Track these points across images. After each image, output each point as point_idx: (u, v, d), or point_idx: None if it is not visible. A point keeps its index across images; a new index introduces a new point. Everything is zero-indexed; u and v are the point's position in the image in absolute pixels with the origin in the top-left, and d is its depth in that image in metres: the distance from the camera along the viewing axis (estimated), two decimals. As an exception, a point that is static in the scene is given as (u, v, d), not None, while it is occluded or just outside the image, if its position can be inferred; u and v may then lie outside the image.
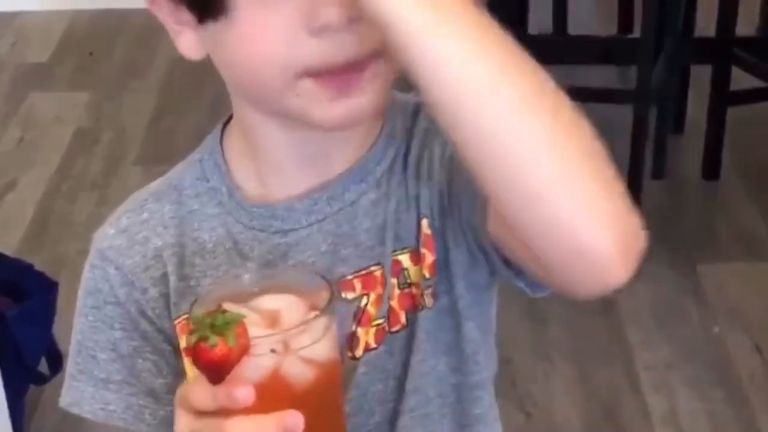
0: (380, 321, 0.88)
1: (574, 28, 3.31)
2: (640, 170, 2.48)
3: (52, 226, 2.71)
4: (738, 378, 2.18)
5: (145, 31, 3.57)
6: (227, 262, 0.89)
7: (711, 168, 2.79)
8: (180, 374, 0.90)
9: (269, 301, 0.76)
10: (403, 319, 0.89)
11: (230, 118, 0.92)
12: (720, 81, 2.70)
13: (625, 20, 3.30)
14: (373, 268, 0.88)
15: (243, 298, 0.77)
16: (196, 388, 0.73)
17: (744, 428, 2.07)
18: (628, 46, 2.90)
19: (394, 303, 0.88)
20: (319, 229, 0.88)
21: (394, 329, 0.88)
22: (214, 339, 0.70)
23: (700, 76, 2.86)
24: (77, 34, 3.67)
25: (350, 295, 0.88)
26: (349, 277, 0.88)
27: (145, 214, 0.91)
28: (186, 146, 0.96)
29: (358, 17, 0.75)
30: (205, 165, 0.91)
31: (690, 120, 2.95)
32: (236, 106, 0.89)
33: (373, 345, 0.88)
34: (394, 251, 0.88)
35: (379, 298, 0.88)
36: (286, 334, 0.73)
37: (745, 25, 2.88)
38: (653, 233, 2.64)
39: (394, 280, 0.88)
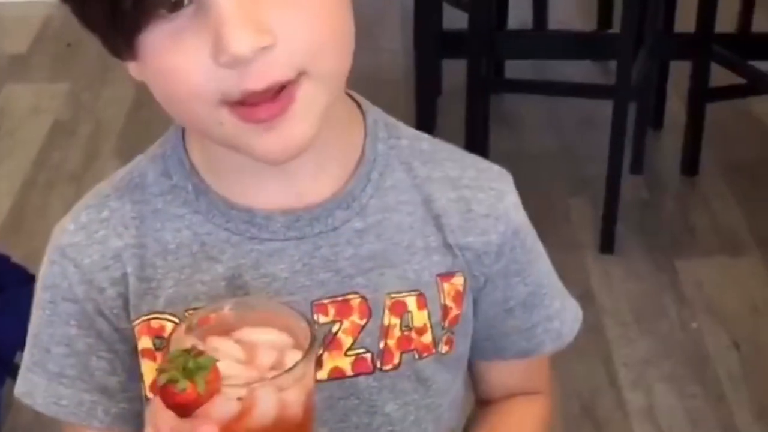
0: (360, 351, 0.89)
1: (553, 24, 3.31)
2: (619, 165, 2.48)
3: (29, 219, 2.69)
4: (716, 374, 2.19)
5: (124, 23, 3.55)
6: (192, 264, 0.87)
7: (690, 163, 2.80)
8: (135, 374, 0.89)
9: (251, 334, 0.75)
10: (397, 359, 0.90)
11: None
12: (699, 77, 2.71)
13: (604, 16, 3.30)
14: (350, 297, 0.88)
15: (223, 327, 0.76)
16: (164, 415, 0.71)
17: (722, 424, 2.08)
18: (608, 41, 2.90)
19: (392, 342, 0.89)
20: (296, 246, 0.87)
21: (386, 367, 0.89)
22: (183, 383, 0.69)
23: (680, 72, 2.87)
24: (55, 25, 3.65)
25: (323, 319, 0.88)
26: (325, 301, 0.88)
27: (106, 212, 0.89)
28: (164, 139, 0.94)
29: (270, 45, 0.73)
30: (168, 161, 0.89)
31: (669, 115, 2.96)
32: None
33: (349, 373, 0.89)
34: (399, 292, 0.89)
35: (356, 327, 0.88)
36: (257, 384, 0.72)
37: (725, 22, 2.89)
38: (632, 228, 2.67)
39: (397, 320, 0.89)
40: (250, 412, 0.71)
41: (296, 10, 0.74)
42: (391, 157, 0.90)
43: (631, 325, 2.32)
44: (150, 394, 0.88)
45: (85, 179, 2.83)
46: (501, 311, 0.95)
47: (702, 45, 2.68)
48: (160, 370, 0.70)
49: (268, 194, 0.86)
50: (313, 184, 0.87)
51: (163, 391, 0.70)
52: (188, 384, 0.69)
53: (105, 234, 0.88)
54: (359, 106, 0.91)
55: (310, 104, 0.77)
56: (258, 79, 0.74)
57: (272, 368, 0.73)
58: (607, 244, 2.52)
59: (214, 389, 0.70)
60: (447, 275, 0.91)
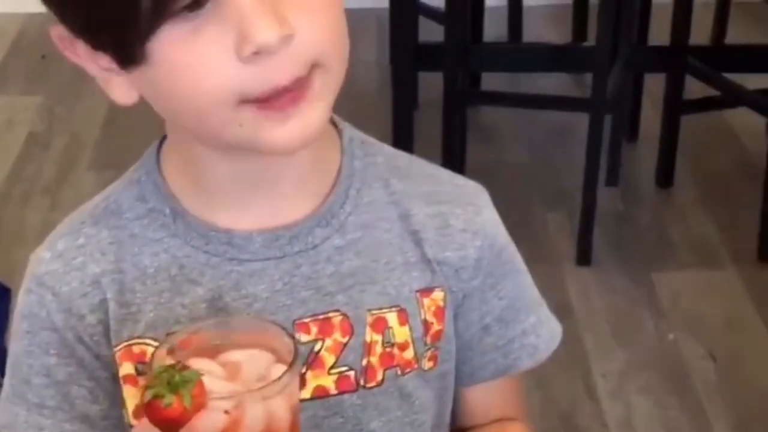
0: (343, 369, 0.88)
1: (529, 36, 3.32)
2: (595, 177, 2.49)
3: (4, 232, 2.67)
4: (692, 385, 2.20)
5: (99, 35, 3.54)
6: (171, 288, 0.87)
7: (665, 176, 2.81)
8: (117, 401, 0.88)
9: (233, 355, 0.75)
10: (380, 376, 0.89)
11: (165, 137, 0.90)
12: (674, 89, 2.72)
13: (579, 29, 3.32)
14: (331, 315, 0.88)
15: (204, 349, 0.75)
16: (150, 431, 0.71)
17: (699, 435, 2.09)
18: (583, 54, 2.91)
19: (375, 359, 0.89)
20: (275, 266, 0.87)
21: (369, 385, 0.89)
22: (169, 398, 0.69)
23: (655, 84, 2.88)
24: (30, 37, 3.63)
25: (305, 338, 0.87)
26: (306, 319, 0.87)
27: (81, 239, 0.88)
28: (139, 152, 0.93)
29: (291, 34, 0.74)
30: (144, 186, 0.88)
31: (644, 128, 2.98)
32: (177, 137, 0.86)
33: (333, 391, 0.88)
34: (380, 308, 0.89)
35: (338, 345, 0.88)
36: (243, 396, 0.71)
37: (699, 35, 2.91)
38: (608, 240, 2.68)
39: (379, 337, 0.89)
40: (237, 426, 0.71)
41: (309, 5, 0.75)
42: (368, 174, 0.90)
43: (608, 336, 2.33)
44: (134, 421, 0.87)
45: (60, 192, 2.81)
46: (478, 330, 0.95)
47: (677, 57, 2.70)
48: (146, 387, 0.70)
49: (247, 214, 0.86)
50: (292, 203, 0.87)
51: (149, 407, 0.69)
52: (174, 398, 0.69)
53: (83, 261, 0.87)
54: (335, 124, 0.91)
55: (322, 93, 0.78)
56: (282, 73, 0.74)
57: (258, 381, 0.73)
58: (583, 256, 2.53)
59: (200, 403, 0.69)
60: (427, 290, 0.91)
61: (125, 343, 0.86)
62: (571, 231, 2.57)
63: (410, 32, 2.77)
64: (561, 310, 2.46)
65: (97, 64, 0.80)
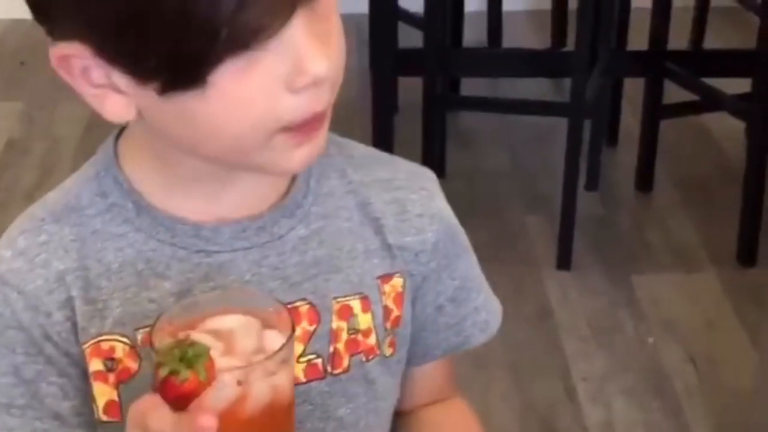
0: (311, 357, 0.90)
1: (508, 42, 3.33)
2: (574, 181, 2.50)
3: (-17, 238, 2.66)
4: (672, 388, 2.21)
5: (78, 41, 3.53)
6: (137, 282, 0.87)
7: (644, 180, 2.82)
8: (88, 398, 0.88)
9: (222, 322, 0.75)
10: (346, 363, 0.91)
11: (121, 130, 0.90)
12: (653, 94, 2.73)
13: (559, 34, 3.33)
14: (298, 304, 0.89)
15: (193, 321, 0.76)
16: (157, 412, 0.71)
17: (679, 438, 2.10)
18: (563, 59, 2.92)
19: (341, 346, 0.90)
20: (243, 257, 0.88)
21: (336, 371, 0.90)
22: (185, 373, 0.69)
23: (634, 88, 2.89)
24: (9, 43, 3.62)
25: None
26: None
27: (43, 236, 0.87)
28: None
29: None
30: (103, 181, 0.88)
31: (624, 132, 2.99)
32: (157, 146, 0.86)
33: (302, 379, 0.89)
34: (345, 296, 0.90)
35: (306, 334, 0.89)
36: (255, 366, 0.72)
37: (678, 39, 2.92)
38: (588, 244, 2.68)
39: (344, 324, 0.90)
40: (246, 397, 0.72)
41: (336, 36, 0.80)
42: (324, 165, 0.92)
43: (588, 340, 2.34)
44: (104, 417, 0.87)
45: (40, 198, 2.80)
46: (432, 310, 0.98)
47: (655, 62, 2.71)
48: (158, 364, 0.70)
49: (213, 207, 0.87)
50: (256, 195, 0.88)
51: (165, 385, 0.70)
52: (190, 373, 0.69)
53: (46, 258, 0.86)
54: None
55: (329, 116, 0.82)
56: (322, 101, 0.80)
57: (256, 352, 0.74)
58: (563, 260, 2.54)
59: (212, 376, 0.70)
60: (386, 276, 0.93)
61: (93, 340, 0.86)
62: (552, 235, 2.58)
63: (390, 37, 2.77)
64: (541, 313, 2.48)
65: (89, 83, 0.80)
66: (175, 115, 0.79)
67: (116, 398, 0.87)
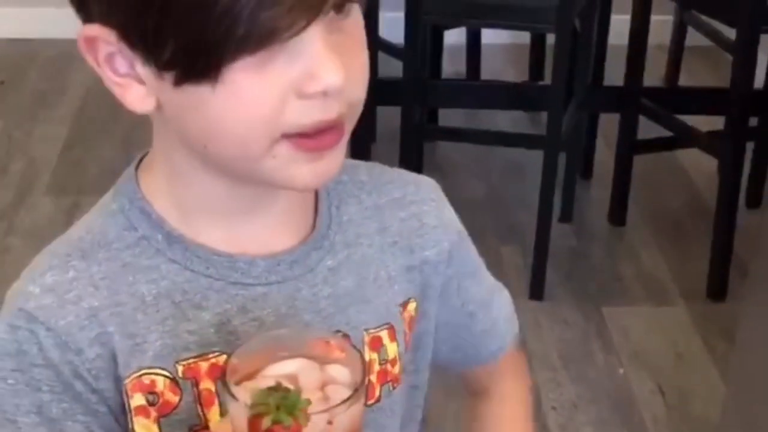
0: None
1: (486, 74, 3.37)
2: (548, 213, 2.52)
3: (-42, 256, 2.65)
4: (641, 419, 2.23)
5: (58, 61, 3.54)
6: (175, 314, 0.85)
7: (617, 213, 2.85)
8: None
9: (284, 366, 0.77)
10: (378, 393, 0.92)
11: (140, 160, 0.89)
12: (627, 129, 2.76)
13: (536, 68, 3.37)
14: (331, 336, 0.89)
15: (249, 369, 0.77)
16: None
17: (646, 468, 2.11)
18: (539, 92, 2.96)
19: (374, 378, 0.91)
20: (278, 290, 0.87)
21: (369, 402, 0.91)
22: (288, 421, 0.71)
23: (609, 123, 2.93)
24: (-11, 62, 3.63)
25: None
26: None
27: (72, 273, 0.85)
28: (97, 178, 0.94)
29: (347, 79, 0.77)
30: (129, 214, 0.87)
31: (598, 166, 3.02)
32: (170, 162, 0.86)
33: None
34: (376, 327, 0.91)
35: None
36: (339, 406, 0.74)
37: (653, 76, 2.96)
38: (560, 275, 2.69)
39: (375, 356, 0.91)
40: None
41: (356, 49, 0.79)
42: (340, 192, 0.92)
43: (559, 370, 2.36)
44: None
45: (17, 216, 2.80)
46: (463, 317, 0.99)
47: (630, 98, 2.74)
48: (258, 416, 0.71)
49: (241, 240, 0.87)
50: (285, 227, 0.88)
51: None
52: (292, 420, 0.71)
53: (77, 294, 0.84)
54: None
55: (347, 137, 0.81)
56: (331, 111, 0.78)
57: (322, 387, 0.76)
58: (536, 291, 2.56)
59: (309, 419, 0.72)
60: (404, 303, 0.94)
61: (135, 374, 0.84)
62: (525, 265, 2.60)
63: (369, 67, 2.80)
64: (513, 342, 2.46)
65: (114, 71, 0.80)
66: (189, 107, 0.79)
67: None
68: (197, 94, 0.77)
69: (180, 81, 0.77)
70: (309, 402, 0.72)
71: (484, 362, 1.05)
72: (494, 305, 1.03)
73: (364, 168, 0.97)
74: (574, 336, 2.46)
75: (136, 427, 0.85)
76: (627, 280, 2.67)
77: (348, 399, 0.74)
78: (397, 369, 0.93)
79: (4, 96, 3.42)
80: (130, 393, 0.84)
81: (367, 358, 0.90)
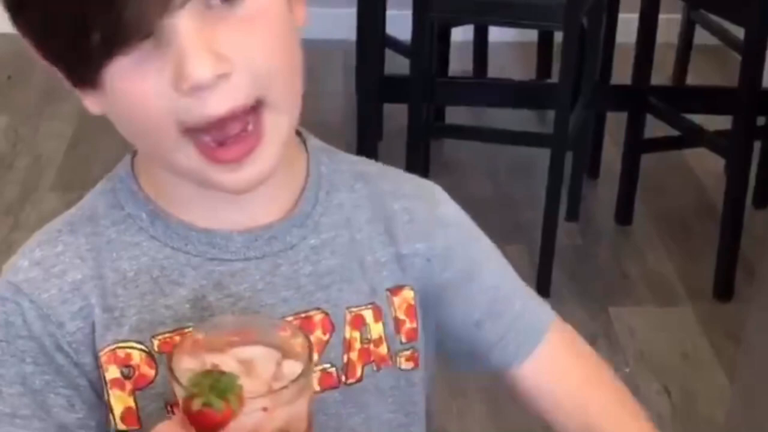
0: (326, 366, 0.90)
1: (493, 72, 3.36)
2: (555, 212, 2.52)
3: (-36, 251, 2.66)
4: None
5: (65, 58, 3.53)
6: (153, 290, 0.88)
7: (624, 212, 2.85)
8: (95, 410, 0.89)
9: (243, 352, 0.77)
10: (359, 372, 0.92)
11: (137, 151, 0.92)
12: (635, 128, 2.76)
13: (544, 66, 3.36)
14: (312, 313, 0.90)
15: (215, 345, 0.77)
16: None
17: (652, 468, 2.10)
18: (547, 91, 2.95)
19: (354, 356, 0.91)
20: (256, 266, 0.89)
21: (350, 381, 0.91)
22: (219, 404, 0.71)
23: (616, 122, 2.92)
24: (-4, 57, 3.62)
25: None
26: (289, 318, 0.89)
27: (60, 247, 0.88)
28: (102, 174, 0.94)
29: (228, 72, 0.76)
30: (119, 193, 0.90)
31: (605, 165, 3.01)
32: (146, 157, 0.89)
33: (317, 388, 0.89)
34: (358, 306, 0.91)
35: (321, 342, 0.90)
36: (280, 393, 0.74)
37: (660, 75, 2.95)
38: (567, 274, 2.68)
39: (357, 334, 0.91)
40: (268, 423, 0.73)
41: (251, 39, 0.78)
42: (335, 179, 0.93)
43: (564, 369, 2.34)
44: (121, 425, 0.88)
45: (22, 212, 2.80)
46: (470, 326, 0.98)
47: (638, 97, 2.74)
48: (190, 396, 0.72)
49: (223, 217, 0.88)
50: (266, 206, 0.89)
51: (201, 416, 0.71)
52: (223, 404, 0.71)
53: (62, 268, 0.87)
54: (298, 133, 0.94)
55: (274, 135, 0.81)
56: (217, 105, 0.77)
57: (275, 379, 0.76)
58: (542, 289, 2.55)
59: (242, 405, 0.72)
60: (396, 289, 0.93)
61: (109, 347, 0.87)
62: (531, 264, 2.60)
63: (376, 64, 2.80)
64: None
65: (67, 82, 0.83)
66: (108, 111, 0.82)
67: (133, 405, 0.87)
68: (103, 98, 0.80)
69: (80, 89, 0.80)
70: (241, 387, 0.72)
71: (504, 367, 1.00)
72: (505, 317, 0.98)
73: (365, 162, 0.98)
74: (580, 335, 2.44)
75: (112, 400, 0.87)
76: (633, 279, 2.66)
77: (283, 388, 0.73)
78: (383, 350, 0.92)
79: (10, 92, 3.42)
80: (104, 365, 0.87)
81: (347, 336, 0.91)
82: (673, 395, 2.28)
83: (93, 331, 0.87)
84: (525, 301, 1.01)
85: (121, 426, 0.88)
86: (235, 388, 0.72)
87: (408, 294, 0.94)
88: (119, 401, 0.87)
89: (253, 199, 0.87)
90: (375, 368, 0.92)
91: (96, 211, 0.90)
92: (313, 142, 0.95)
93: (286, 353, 0.77)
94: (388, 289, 0.93)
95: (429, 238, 0.95)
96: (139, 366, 0.87)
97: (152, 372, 0.87)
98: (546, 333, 1.01)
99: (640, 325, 2.49)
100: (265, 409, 0.73)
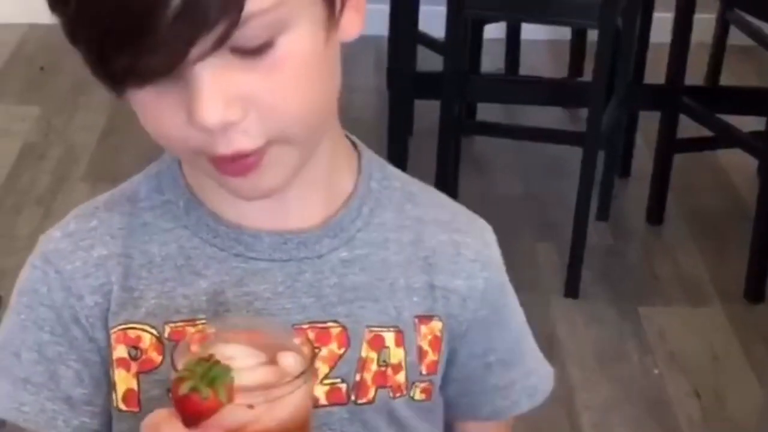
0: (335, 381, 0.89)
1: (526, 69, 3.35)
2: (586, 211, 2.51)
3: (-4, 240, 2.68)
4: (676, 421, 2.21)
5: (99, 49, 3.55)
6: (175, 277, 0.88)
7: (655, 212, 2.83)
8: (102, 388, 0.90)
9: (225, 349, 0.76)
10: (372, 394, 0.90)
11: None
12: (668, 128, 2.74)
13: (576, 64, 3.34)
14: (330, 324, 0.89)
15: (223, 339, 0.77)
16: (170, 425, 0.73)
17: (680, 470, 2.10)
18: (579, 89, 2.94)
19: (368, 376, 0.90)
20: (280, 268, 0.88)
21: (360, 401, 0.90)
22: (206, 392, 0.71)
23: (649, 122, 2.90)
24: (29, 48, 3.64)
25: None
26: (305, 326, 0.88)
27: (94, 222, 0.90)
28: (134, 165, 0.95)
29: (239, 119, 0.76)
30: (162, 178, 0.91)
31: (636, 164, 3.00)
32: None
33: (323, 401, 0.89)
34: (380, 326, 0.90)
35: (334, 356, 0.89)
36: (271, 391, 0.73)
37: (694, 75, 2.93)
38: (596, 274, 2.68)
39: (374, 355, 0.90)
40: (258, 420, 0.73)
41: (272, 87, 0.77)
42: (384, 196, 0.92)
43: (594, 369, 2.34)
44: (122, 405, 0.89)
45: (54, 202, 2.82)
46: (480, 365, 0.96)
47: (671, 97, 2.72)
48: (180, 380, 0.72)
49: (253, 216, 0.88)
50: (301, 211, 0.89)
51: (186, 401, 0.71)
52: (211, 392, 0.71)
53: (91, 243, 0.89)
54: (355, 146, 0.93)
55: (277, 164, 0.80)
56: (225, 146, 0.77)
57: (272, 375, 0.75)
58: (572, 288, 2.54)
59: (231, 397, 0.71)
60: (425, 318, 0.92)
61: (122, 326, 0.87)
62: (560, 263, 2.59)
63: (408, 60, 2.79)
64: (547, 341, 2.48)
65: None
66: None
67: (135, 387, 0.88)
68: (132, 102, 0.80)
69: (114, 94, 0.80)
70: (233, 379, 0.71)
71: (482, 418, 0.99)
72: (518, 369, 0.98)
73: (420, 185, 0.97)
74: (610, 335, 2.44)
75: (116, 379, 0.88)
76: (664, 279, 2.64)
77: (270, 387, 0.73)
78: (401, 378, 0.91)
79: (43, 82, 3.44)
80: (114, 344, 0.88)
81: (364, 354, 0.89)
82: (703, 398, 2.27)
83: (109, 308, 0.88)
84: (537, 360, 1.01)
85: (122, 406, 0.89)
86: (225, 379, 0.71)
87: (436, 325, 0.92)
88: (123, 381, 0.88)
89: (284, 203, 0.87)
90: (390, 394, 0.91)
91: (137, 193, 0.91)
92: (368, 155, 0.94)
93: (285, 348, 0.77)
94: (417, 317, 0.91)
95: (470, 277, 0.93)
96: (147, 350, 0.87)
97: (159, 358, 0.87)
98: (540, 397, 1.00)
99: (670, 326, 2.48)
100: (251, 407, 0.72)
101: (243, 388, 0.72)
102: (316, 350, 0.87)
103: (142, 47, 0.72)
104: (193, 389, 0.71)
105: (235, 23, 0.72)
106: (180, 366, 0.74)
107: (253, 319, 0.86)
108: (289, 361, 0.76)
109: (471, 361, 0.96)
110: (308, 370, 0.75)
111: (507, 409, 0.99)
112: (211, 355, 0.73)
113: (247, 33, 0.73)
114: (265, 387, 0.73)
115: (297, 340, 0.78)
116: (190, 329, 0.86)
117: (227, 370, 0.72)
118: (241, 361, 0.75)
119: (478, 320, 0.94)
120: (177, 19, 0.70)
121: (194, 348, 0.76)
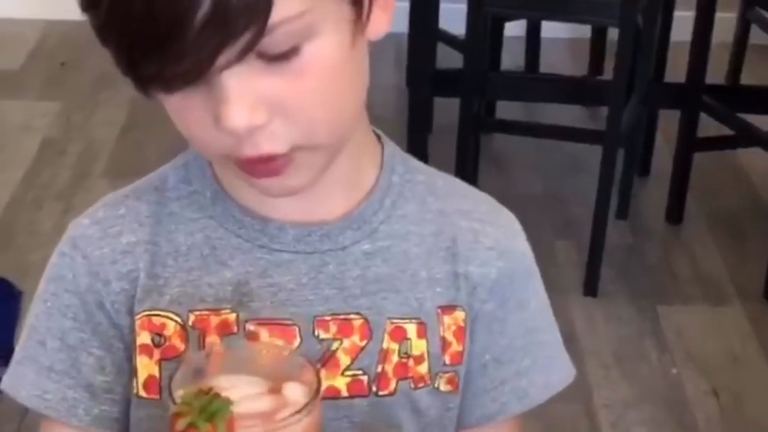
0: (357, 373, 0.89)
1: (545, 67, 3.34)
2: (605, 209, 2.50)
3: (17, 235, 2.69)
4: (694, 420, 2.20)
5: (119, 45, 3.56)
6: (201, 266, 0.89)
7: (675, 211, 2.82)
8: (123, 375, 0.90)
9: (227, 379, 0.76)
10: (393, 386, 0.90)
11: None
12: (688, 127, 2.73)
13: (596, 62, 3.34)
14: (352, 316, 0.89)
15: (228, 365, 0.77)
16: None
17: (698, 470, 2.09)
18: (599, 87, 2.93)
19: (389, 368, 0.90)
20: (304, 260, 0.89)
21: (382, 392, 0.90)
22: (205, 427, 0.70)
23: (669, 120, 2.90)
24: (50, 43, 3.66)
25: (323, 335, 0.89)
26: (327, 317, 0.89)
27: (122, 210, 0.91)
28: (154, 161, 0.96)
29: (264, 123, 0.77)
30: (190, 169, 0.92)
31: (656, 163, 2.99)
32: None
33: (344, 393, 0.89)
34: (401, 318, 0.90)
35: (356, 348, 0.89)
36: (272, 426, 0.72)
37: (715, 74, 2.92)
38: (615, 272, 2.67)
39: (396, 346, 0.90)
40: None
41: (298, 92, 0.78)
42: (406, 189, 0.92)
43: (612, 367, 2.34)
44: (143, 392, 0.89)
45: (74, 198, 2.83)
46: (477, 366, 0.94)
47: (692, 95, 2.71)
48: (178, 414, 0.71)
49: (278, 208, 0.89)
50: (325, 204, 0.89)
51: None
52: (209, 427, 0.70)
53: (119, 230, 0.90)
54: (379, 138, 0.94)
55: (304, 167, 0.81)
56: (251, 149, 0.78)
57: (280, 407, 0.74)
58: (590, 287, 2.54)
59: (231, 430, 0.71)
60: (449, 308, 0.91)
61: (146, 313, 0.88)
62: (579, 261, 2.58)
63: (428, 58, 2.79)
64: (566, 338, 2.46)
65: None
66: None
67: (157, 374, 0.89)
68: (163, 103, 0.80)
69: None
70: (232, 413, 0.70)
71: (474, 424, 0.95)
72: (508, 368, 0.94)
73: (445, 177, 0.97)
74: (628, 334, 2.44)
75: (138, 365, 0.89)
76: (683, 278, 2.64)
77: (271, 419, 0.71)
78: (423, 369, 0.90)
79: (64, 78, 3.46)
80: (138, 330, 0.88)
81: (385, 346, 0.89)
82: (721, 397, 2.26)
83: (135, 295, 0.89)
84: (535, 364, 0.96)
85: (142, 393, 0.89)
86: (225, 414, 0.70)
87: (460, 315, 0.92)
88: (145, 368, 0.89)
89: (309, 196, 0.87)
90: (412, 385, 0.90)
91: (165, 182, 0.92)
92: (391, 149, 0.94)
93: (274, 385, 0.76)
94: (440, 307, 0.91)
95: (483, 265, 0.92)
96: (170, 337, 0.88)
97: (182, 346, 0.88)
98: (533, 401, 0.96)
99: (689, 325, 2.47)
100: None
101: (243, 419, 0.71)
102: (330, 345, 0.88)
103: (170, 55, 0.73)
104: (191, 425, 0.70)
105: (261, 31, 0.72)
106: (178, 397, 0.72)
107: (265, 344, 0.86)
108: (295, 392, 0.76)
109: (472, 360, 0.94)
110: (312, 403, 0.74)
111: (495, 414, 0.95)
112: (210, 388, 0.72)
113: (273, 40, 0.74)
114: (266, 418, 0.72)
115: (305, 369, 0.77)
116: (214, 318, 0.87)
117: (227, 403, 0.70)
118: (244, 389, 0.75)
119: (484, 313, 0.93)
120: (204, 28, 0.71)
121: (212, 341, 0.75)
